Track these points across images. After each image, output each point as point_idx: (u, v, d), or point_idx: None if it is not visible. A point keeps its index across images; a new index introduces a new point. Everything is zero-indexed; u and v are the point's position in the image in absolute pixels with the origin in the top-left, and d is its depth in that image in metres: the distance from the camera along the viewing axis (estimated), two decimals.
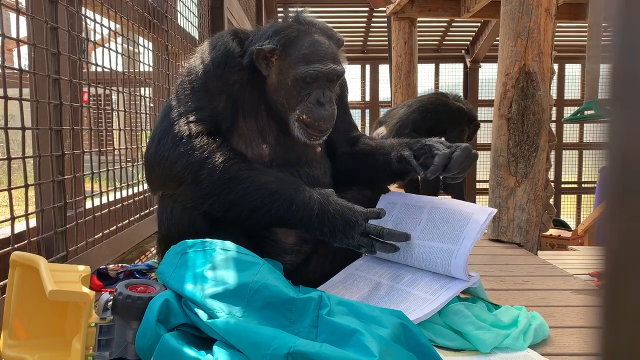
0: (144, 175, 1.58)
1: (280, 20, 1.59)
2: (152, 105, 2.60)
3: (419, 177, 1.56)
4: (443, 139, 1.54)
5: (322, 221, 1.37)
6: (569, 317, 1.53)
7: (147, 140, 1.65)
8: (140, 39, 2.39)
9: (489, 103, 8.24)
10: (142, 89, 2.53)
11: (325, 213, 1.37)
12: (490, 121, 2.96)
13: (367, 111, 8.61)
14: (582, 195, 8.71)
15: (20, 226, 1.44)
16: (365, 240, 1.36)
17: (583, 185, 8.70)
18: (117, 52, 2.05)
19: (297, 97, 1.49)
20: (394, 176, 1.67)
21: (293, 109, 1.49)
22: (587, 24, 4.73)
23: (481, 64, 8.39)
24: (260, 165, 1.49)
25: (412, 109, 3.73)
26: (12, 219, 1.35)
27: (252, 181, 1.38)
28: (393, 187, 1.64)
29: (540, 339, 1.31)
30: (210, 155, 1.38)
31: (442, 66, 8.64)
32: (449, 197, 3.54)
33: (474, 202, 8.19)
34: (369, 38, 8.23)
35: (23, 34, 1.48)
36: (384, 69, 8.26)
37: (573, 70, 8.61)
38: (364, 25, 7.87)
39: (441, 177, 1.48)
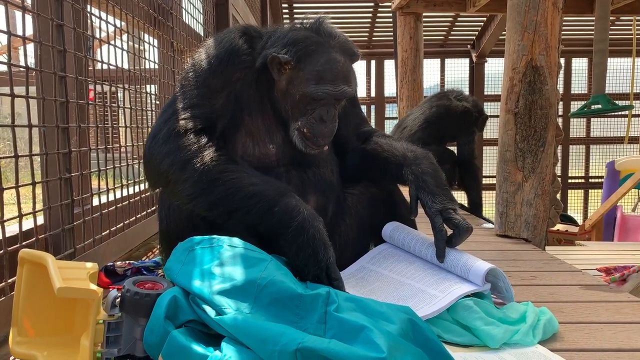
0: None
1: (299, 25, 1.54)
2: (157, 102, 2.60)
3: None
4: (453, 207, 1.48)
5: (297, 236, 1.30)
6: (577, 313, 1.52)
7: None
8: (146, 36, 2.39)
9: (495, 98, 8.21)
10: (148, 86, 2.54)
11: (304, 232, 1.30)
12: (497, 116, 2.94)
13: (373, 107, 8.59)
14: (590, 190, 8.67)
15: (28, 223, 1.45)
16: (322, 278, 1.30)
17: (590, 180, 8.65)
18: (122, 49, 2.05)
19: (302, 110, 1.48)
20: (401, 184, 1.64)
21: (296, 119, 1.49)
22: (594, 18, 4.70)
23: (487, 58, 8.35)
24: (267, 164, 1.48)
25: (417, 124, 3.73)
26: (20, 216, 1.35)
27: (233, 182, 1.34)
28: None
29: (550, 334, 1.31)
30: (195, 154, 1.35)
31: (447, 61, 8.61)
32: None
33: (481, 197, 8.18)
34: (374, 33, 8.21)
35: (29, 31, 1.48)
36: (389, 65, 8.24)
37: (580, 65, 8.55)
38: (369, 20, 7.84)
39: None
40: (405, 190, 1.64)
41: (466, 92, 8.26)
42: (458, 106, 3.75)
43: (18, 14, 1.45)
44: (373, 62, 8.52)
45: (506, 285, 1.41)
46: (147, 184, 2.35)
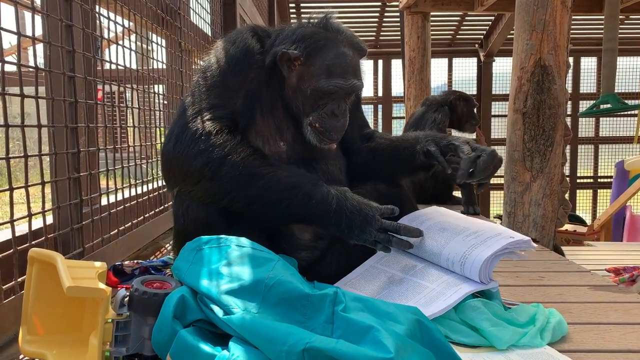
0: (162, 172, 1.59)
1: (306, 22, 1.57)
2: (165, 102, 2.61)
3: (448, 174, 1.56)
4: (471, 138, 1.54)
5: (340, 217, 1.36)
6: (586, 314, 1.51)
7: (163, 137, 1.65)
8: (154, 36, 2.40)
9: (503, 97, 8.17)
10: (156, 86, 2.55)
11: (343, 209, 1.36)
12: (505, 116, 2.94)
13: (380, 106, 8.58)
14: (598, 190, 8.61)
15: (37, 223, 1.45)
16: (382, 236, 1.36)
17: (599, 180, 8.60)
18: (130, 49, 2.06)
19: (313, 105, 1.50)
20: (418, 169, 1.66)
21: (308, 114, 1.52)
22: (603, 17, 4.67)
23: (495, 58, 8.31)
24: (278, 161, 1.49)
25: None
26: (30, 215, 1.36)
27: (272, 176, 1.38)
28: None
29: (559, 336, 1.30)
30: (231, 152, 1.38)
31: (455, 60, 8.58)
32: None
33: (488, 197, 8.13)
34: (382, 33, 8.19)
35: (38, 32, 1.49)
36: (396, 64, 8.22)
37: (589, 64, 8.50)
38: (377, 19, 7.83)
39: (468, 181, 1.48)
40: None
41: (474, 91, 8.23)
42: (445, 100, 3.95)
43: (27, 14, 1.46)
44: (380, 62, 8.50)
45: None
46: (157, 183, 2.38)
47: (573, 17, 2.75)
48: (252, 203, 1.40)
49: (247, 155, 1.39)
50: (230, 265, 1.15)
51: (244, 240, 1.24)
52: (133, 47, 2.12)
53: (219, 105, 1.47)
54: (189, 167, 1.41)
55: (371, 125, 1.92)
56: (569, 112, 6.80)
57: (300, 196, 1.37)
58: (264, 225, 1.47)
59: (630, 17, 7.24)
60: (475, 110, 4.00)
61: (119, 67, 1.94)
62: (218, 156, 1.38)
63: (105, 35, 1.92)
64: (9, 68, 1.28)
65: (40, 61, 1.47)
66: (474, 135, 4.06)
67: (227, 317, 1.03)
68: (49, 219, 1.51)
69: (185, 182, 1.45)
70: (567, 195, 2.93)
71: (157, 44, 2.41)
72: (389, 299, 1.34)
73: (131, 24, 2.10)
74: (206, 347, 0.99)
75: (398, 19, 6.42)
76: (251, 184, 1.38)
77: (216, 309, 1.06)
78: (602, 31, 4.49)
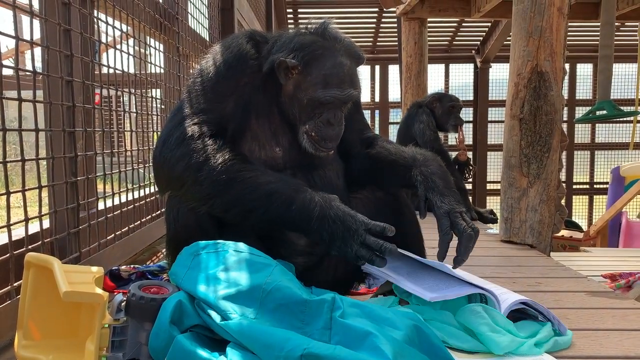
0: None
1: (304, 29, 1.56)
2: (163, 106, 2.61)
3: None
4: (460, 211, 1.47)
5: (322, 225, 1.33)
6: (583, 320, 1.51)
7: None
8: (151, 40, 2.40)
9: (499, 103, 8.19)
10: (153, 90, 2.54)
11: (326, 217, 1.33)
12: (501, 121, 2.94)
13: (377, 112, 8.59)
14: (594, 196, 8.63)
15: (34, 227, 1.45)
16: (364, 253, 1.31)
17: (595, 186, 8.62)
18: (128, 53, 2.06)
19: (310, 114, 1.50)
20: (411, 187, 1.64)
21: (304, 122, 1.52)
22: (599, 24, 4.69)
23: (492, 64, 8.34)
24: (274, 168, 1.49)
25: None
26: (26, 220, 1.36)
27: (251, 182, 1.36)
28: None
29: (560, 348, 1.29)
30: (210, 156, 1.37)
31: (452, 66, 8.60)
32: None
33: (485, 203, 8.14)
34: (379, 38, 8.21)
35: (36, 36, 1.49)
36: (393, 70, 8.23)
37: (585, 70, 8.53)
38: (374, 25, 7.85)
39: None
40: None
41: (470, 97, 8.25)
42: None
43: (26, 18, 1.46)
44: (377, 67, 8.52)
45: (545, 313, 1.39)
46: (154, 188, 2.37)
47: (569, 23, 2.76)
48: (231, 209, 1.38)
49: (226, 160, 1.37)
50: (227, 270, 1.15)
51: (241, 246, 1.24)
52: (131, 52, 2.12)
53: (207, 109, 1.47)
54: (171, 171, 1.41)
55: None
56: (565, 118, 6.82)
57: (279, 202, 1.34)
58: (258, 231, 1.47)
59: (626, 24, 7.29)
60: (455, 110, 4.00)
61: (117, 72, 1.94)
62: (197, 161, 1.37)
63: (103, 40, 1.91)
64: (7, 72, 1.27)
65: (38, 65, 1.47)
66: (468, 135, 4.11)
67: (225, 323, 1.03)
68: (46, 224, 1.51)
69: (170, 186, 1.46)
70: (563, 201, 2.94)
71: (155, 48, 2.41)
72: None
73: (129, 28, 2.10)
74: (203, 353, 0.99)
75: (395, 25, 6.45)
76: (229, 189, 1.36)
77: (213, 314, 1.06)
78: (598, 38, 4.52)
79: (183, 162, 1.38)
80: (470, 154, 8.24)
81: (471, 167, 4.27)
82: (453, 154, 4.40)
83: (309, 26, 1.56)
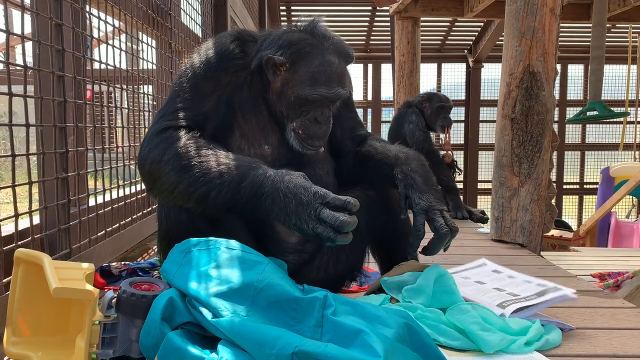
0: None
1: (294, 27, 1.55)
2: (154, 103, 2.60)
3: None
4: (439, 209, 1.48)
5: (274, 201, 1.25)
6: (572, 318, 1.52)
7: None
8: (144, 36, 2.39)
9: (491, 103, 8.23)
10: (145, 86, 2.53)
11: (277, 191, 1.25)
12: (493, 121, 2.95)
13: (370, 110, 8.60)
14: (584, 196, 8.70)
15: (24, 223, 1.44)
16: (321, 229, 1.21)
17: (585, 186, 8.69)
18: (120, 49, 2.05)
19: (297, 111, 1.50)
20: (394, 187, 1.64)
21: (291, 120, 1.51)
22: (590, 25, 4.72)
23: (484, 63, 8.37)
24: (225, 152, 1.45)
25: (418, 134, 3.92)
26: (16, 216, 1.35)
27: (205, 164, 1.31)
28: None
29: (550, 347, 1.29)
30: (169, 146, 1.35)
31: (444, 66, 8.62)
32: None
33: (476, 202, 8.18)
34: (372, 37, 8.21)
35: (27, 30, 1.47)
36: (386, 68, 8.25)
37: (576, 71, 8.59)
38: (367, 24, 7.85)
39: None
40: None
41: (462, 96, 8.27)
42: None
43: (16, 12, 1.44)
44: (370, 66, 8.53)
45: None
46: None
47: (561, 24, 2.77)
48: (190, 196, 1.33)
49: (184, 145, 1.34)
50: (219, 267, 1.15)
51: (233, 243, 1.23)
52: (123, 47, 2.10)
53: (182, 108, 1.46)
54: (143, 169, 1.40)
55: None
56: (556, 119, 6.85)
57: (229, 181, 1.29)
58: (253, 229, 1.46)
59: (617, 25, 7.34)
60: (444, 110, 4.01)
61: (109, 67, 1.93)
62: (159, 152, 1.36)
63: (95, 35, 1.90)
64: None
65: (29, 60, 1.46)
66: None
67: (216, 320, 1.03)
68: (36, 219, 1.50)
69: (146, 184, 1.45)
70: (553, 201, 2.96)
71: (147, 44, 2.40)
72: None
73: (121, 23, 2.09)
74: (194, 350, 0.99)
75: (388, 24, 6.45)
76: (186, 175, 1.31)
77: (205, 311, 1.06)
78: (590, 39, 4.55)
79: (150, 157, 1.37)
80: (460, 155, 8.31)
81: (457, 170, 4.28)
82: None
83: (299, 24, 1.55)
